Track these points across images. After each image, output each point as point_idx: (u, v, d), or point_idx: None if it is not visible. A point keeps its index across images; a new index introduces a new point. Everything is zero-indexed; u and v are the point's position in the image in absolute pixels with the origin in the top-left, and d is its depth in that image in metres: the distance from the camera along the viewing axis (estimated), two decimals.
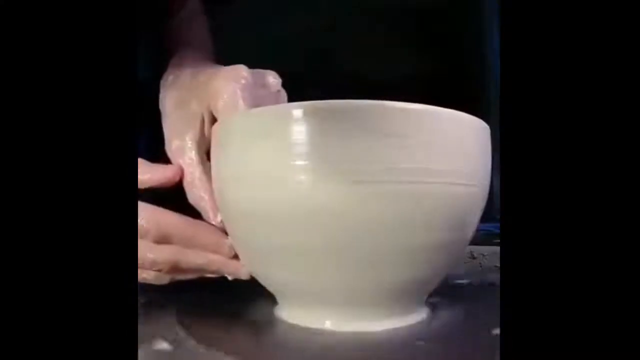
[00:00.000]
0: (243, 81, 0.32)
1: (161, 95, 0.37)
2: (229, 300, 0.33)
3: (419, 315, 0.29)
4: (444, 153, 0.25)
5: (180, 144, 0.34)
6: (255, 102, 0.32)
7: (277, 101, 0.34)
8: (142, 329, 0.25)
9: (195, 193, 0.32)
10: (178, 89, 0.36)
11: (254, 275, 0.29)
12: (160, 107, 0.37)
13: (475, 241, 0.30)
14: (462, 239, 0.28)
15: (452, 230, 0.27)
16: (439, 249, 0.26)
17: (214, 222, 0.31)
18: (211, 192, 0.31)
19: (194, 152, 0.33)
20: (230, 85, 0.32)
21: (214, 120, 0.33)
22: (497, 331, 0.18)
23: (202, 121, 0.34)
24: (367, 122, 0.24)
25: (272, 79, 0.34)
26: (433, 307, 0.31)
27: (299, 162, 0.24)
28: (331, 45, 0.54)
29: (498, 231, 0.20)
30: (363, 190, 0.24)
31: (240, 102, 0.31)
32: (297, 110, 0.25)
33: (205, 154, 0.33)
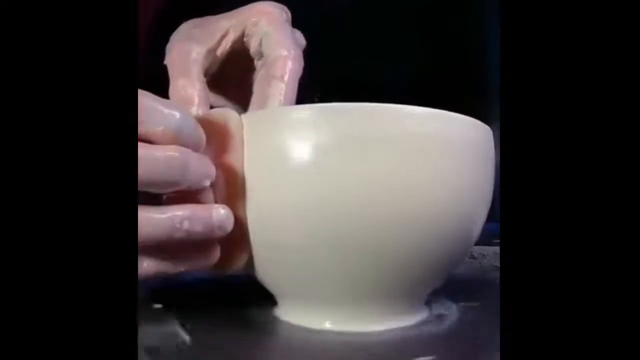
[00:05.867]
0: (285, 14, 0.32)
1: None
2: (228, 301, 0.33)
3: (419, 316, 0.29)
4: (449, 156, 0.25)
5: (186, 46, 0.31)
6: None
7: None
8: (142, 330, 0.25)
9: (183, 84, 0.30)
10: (197, 21, 0.34)
11: (253, 275, 0.29)
12: (168, 47, 0.33)
13: (475, 241, 0.30)
14: (465, 241, 0.28)
15: (456, 232, 0.27)
16: (441, 250, 0.26)
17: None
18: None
19: (201, 55, 0.31)
20: (275, 6, 0.32)
21: (239, 39, 0.32)
22: (497, 331, 0.18)
23: (224, 35, 0.32)
24: (373, 124, 0.24)
25: (301, 36, 0.34)
26: (433, 307, 0.31)
27: (301, 162, 0.24)
28: (330, 45, 0.54)
29: (498, 231, 0.20)
30: (366, 191, 0.24)
31: (285, 19, 0.31)
32: (301, 111, 0.25)
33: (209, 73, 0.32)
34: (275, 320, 0.29)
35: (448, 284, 0.30)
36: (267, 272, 0.29)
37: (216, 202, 0.26)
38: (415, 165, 0.24)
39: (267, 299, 0.30)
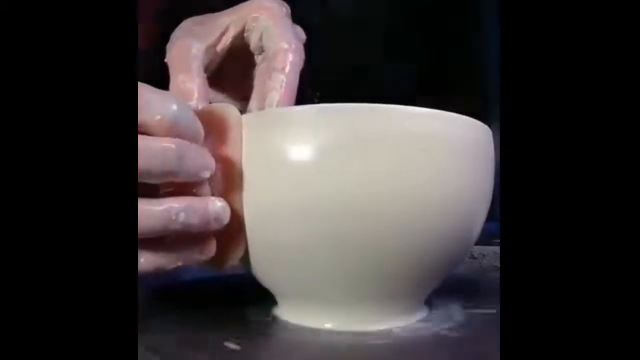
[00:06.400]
0: (285, 9, 0.32)
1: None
2: (228, 300, 0.33)
3: (419, 315, 0.29)
4: (449, 156, 0.25)
5: (186, 43, 0.31)
6: None
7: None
8: (141, 330, 0.25)
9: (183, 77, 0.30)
10: (198, 18, 0.35)
11: (253, 274, 0.29)
12: (168, 45, 0.33)
13: (475, 241, 0.30)
14: (465, 241, 0.28)
15: (456, 232, 0.27)
16: (441, 250, 0.26)
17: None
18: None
19: (201, 51, 0.31)
20: (275, 1, 0.32)
21: (239, 35, 0.32)
22: (497, 330, 0.18)
23: (224, 32, 0.33)
24: (373, 124, 0.24)
25: (301, 31, 0.35)
26: (433, 307, 0.31)
27: (301, 162, 0.24)
28: (331, 44, 0.54)
29: (498, 231, 0.20)
30: (365, 191, 0.24)
31: (284, 13, 0.31)
32: (301, 111, 0.25)
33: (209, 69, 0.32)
34: (274, 319, 0.29)
35: (448, 284, 0.30)
36: (266, 271, 0.29)
37: (213, 195, 0.26)
38: (415, 165, 0.24)
39: (267, 299, 0.30)
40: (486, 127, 0.28)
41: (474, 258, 0.49)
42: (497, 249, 0.49)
